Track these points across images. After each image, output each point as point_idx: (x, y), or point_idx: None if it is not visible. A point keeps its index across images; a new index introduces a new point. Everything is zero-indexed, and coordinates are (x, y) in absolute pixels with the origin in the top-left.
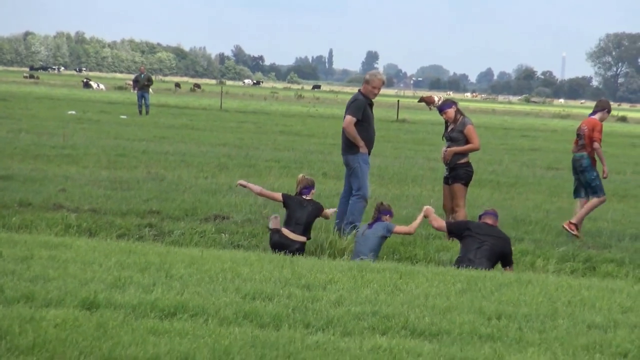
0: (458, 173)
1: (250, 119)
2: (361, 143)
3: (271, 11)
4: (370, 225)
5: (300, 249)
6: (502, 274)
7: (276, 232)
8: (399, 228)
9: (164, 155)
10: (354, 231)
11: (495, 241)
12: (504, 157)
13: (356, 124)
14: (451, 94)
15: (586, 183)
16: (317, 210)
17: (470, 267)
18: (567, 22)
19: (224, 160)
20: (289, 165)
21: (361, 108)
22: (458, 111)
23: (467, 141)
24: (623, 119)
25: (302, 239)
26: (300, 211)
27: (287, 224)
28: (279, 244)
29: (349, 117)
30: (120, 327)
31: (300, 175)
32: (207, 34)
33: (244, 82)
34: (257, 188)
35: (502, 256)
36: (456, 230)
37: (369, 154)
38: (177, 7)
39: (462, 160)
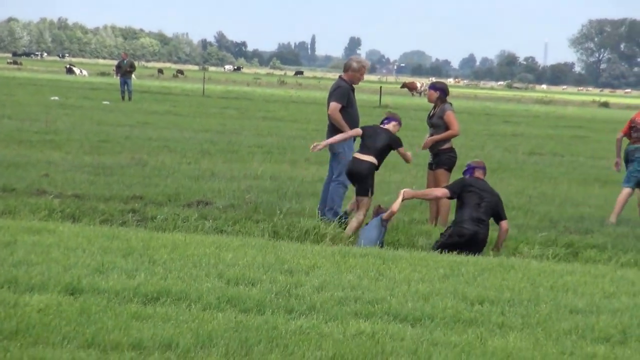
0: (441, 159)
1: (233, 105)
2: (347, 128)
3: None
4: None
5: (369, 169)
6: (484, 258)
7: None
8: (385, 215)
9: (147, 141)
10: (337, 217)
11: (491, 197)
12: (486, 143)
13: (341, 110)
14: (434, 80)
15: (634, 172)
16: (391, 140)
17: (475, 224)
18: (550, 7)
19: (207, 146)
20: (271, 151)
21: (345, 94)
22: (440, 98)
23: (447, 127)
24: (605, 105)
25: (371, 158)
26: (373, 137)
27: (360, 150)
28: (350, 170)
29: (334, 104)
30: (103, 312)
31: (387, 111)
32: (189, 20)
33: (224, 68)
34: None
35: (496, 211)
36: (458, 190)
37: (354, 140)
38: None
39: (445, 146)
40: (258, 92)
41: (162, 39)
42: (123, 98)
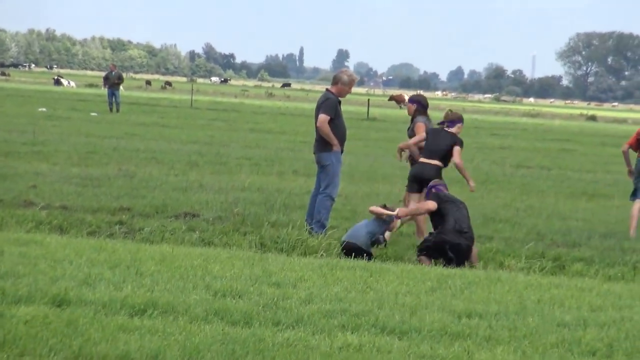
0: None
1: (221, 117)
2: (335, 141)
3: (242, 9)
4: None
5: (436, 172)
6: (470, 272)
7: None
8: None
9: (135, 153)
10: (324, 230)
11: (464, 207)
12: (474, 155)
13: (329, 123)
14: (421, 92)
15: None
16: (457, 142)
17: (461, 236)
18: (538, 20)
19: (195, 158)
20: (259, 163)
21: (334, 107)
22: (417, 110)
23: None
24: (593, 118)
25: (437, 162)
26: (437, 141)
27: (424, 154)
28: (416, 174)
29: (323, 116)
30: (90, 324)
31: (448, 110)
32: (177, 32)
33: (210, 80)
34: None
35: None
36: (438, 201)
37: (342, 151)
38: (148, 4)
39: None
40: (246, 104)
41: (150, 50)
42: (111, 109)
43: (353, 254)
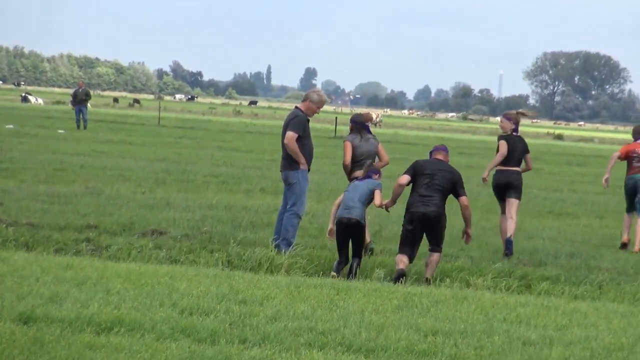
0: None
1: (188, 134)
2: (302, 159)
3: (209, 27)
4: (361, 180)
5: (520, 178)
6: (437, 290)
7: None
8: (378, 193)
9: (102, 170)
10: (291, 248)
11: (445, 173)
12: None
13: (297, 140)
14: (388, 111)
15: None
16: (527, 146)
17: (423, 203)
18: (505, 40)
19: (162, 176)
20: (226, 181)
21: (302, 124)
22: (351, 128)
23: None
24: (559, 137)
25: (517, 168)
26: (514, 149)
27: (505, 163)
28: (501, 182)
29: (290, 133)
30: (56, 341)
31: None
32: (145, 49)
33: (174, 97)
34: None
35: (452, 186)
36: (411, 172)
37: (308, 170)
38: (116, 22)
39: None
40: (213, 121)
41: (118, 68)
42: (78, 127)
43: (352, 232)
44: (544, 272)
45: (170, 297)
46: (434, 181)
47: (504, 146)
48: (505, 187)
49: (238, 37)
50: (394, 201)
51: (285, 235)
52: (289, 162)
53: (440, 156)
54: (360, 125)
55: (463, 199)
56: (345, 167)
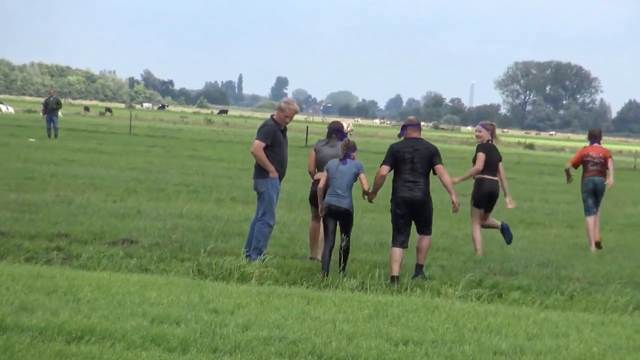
0: None
1: (160, 143)
2: (271, 168)
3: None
4: (343, 162)
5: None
6: (408, 299)
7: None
8: (363, 177)
9: (73, 179)
10: (262, 256)
11: (423, 151)
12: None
13: (267, 149)
14: (359, 120)
15: (599, 202)
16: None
17: (409, 188)
18: (476, 49)
19: (133, 184)
20: (197, 190)
21: (271, 133)
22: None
23: None
24: (531, 147)
25: (498, 177)
26: (492, 157)
27: (486, 171)
28: (491, 192)
29: (257, 142)
30: (27, 350)
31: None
32: (117, 58)
33: (142, 106)
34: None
35: (430, 161)
36: (392, 159)
37: (281, 179)
38: (87, 30)
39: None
40: (185, 130)
41: (89, 76)
42: (49, 135)
43: (341, 219)
44: (515, 282)
45: (141, 306)
46: (416, 165)
47: (481, 159)
48: (491, 197)
49: (209, 46)
50: (375, 192)
51: (256, 245)
52: (259, 171)
53: (415, 134)
54: (331, 130)
55: (438, 167)
56: (309, 173)
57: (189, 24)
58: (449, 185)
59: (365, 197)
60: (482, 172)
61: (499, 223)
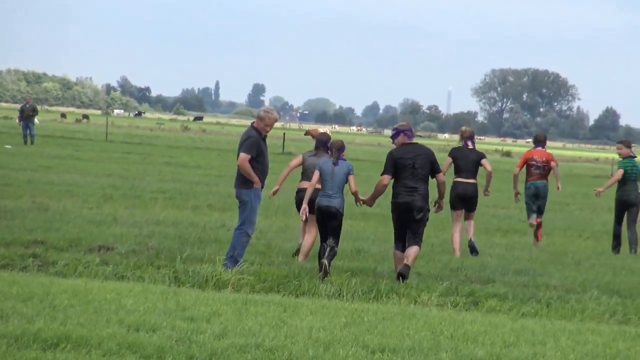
0: None
1: (136, 150)
2: (256, 179)
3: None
4: (335, 163)
5: (477, 189)
6: (385, 307)
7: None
8: (352, 178)
9: (49, 185)
10: (239, 264)
11: (423, 157)
12: (388, 191)
13: (251, 160)
14: (336, 127)
15: (543, 206)
16: (482, 156)
17: (409, 194)
18: (453, 56)
19: (109, 191)
20: (174, 197)
21: (255, 144)
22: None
23: None
24: (507, 154)
25: (474, 180)
26: (466, 160)
27: (459, 174)
28: (463, 194)
29: (243, 155)
30: (2, 357)
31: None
32: (93, 65)
33: (113, 112)
34: None
35: (431, 167)
36: (392, 168)
37: (262, 187)
38: (63, 37)
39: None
40: (161, 137)
41: (66, 83)
42: (25, 142)
43: (330, 219)
44: (492, 289)
45: (117, 313)
46: (417, 170)
47: (446, 163)
48: (464, 198)
49: (186, 53)
50: (374, 199)
51: (232, 253)
52: (242, 180)
53: (410, 139)
54: (319, 143)
55: (439, 175)
56: (281, 177)
57: (166, 30)
58: (442, 192)
59: (359, 203)
60: (456, 175)
61: (471, 236)
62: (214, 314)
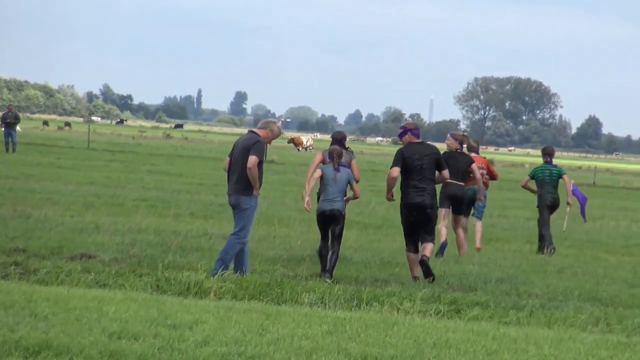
0: None
1: (118, 158)
2: (257, 185)
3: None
4: (337, 169)
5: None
6: (367, 315)
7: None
8: (357, 187)
9: (31, 193)
10: (221, 269)
11: (430, 157)
12: (371, 199)
13: (258, 165)
14: (318, 136)
15: (479, 208)
16: (470, 161)
17: (418, 194)
18: (436, 64)
19: (91, 199)
20: (156, 205)
21: (264, 150)
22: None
23: None
24: (490, 162)
25: (461, 183)
26: (456, 164)
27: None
28: (453, 195)
29: (254, 158)
30: None
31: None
32: (75, 72)
33: (92, 119)
34: None
35: (439, 166)
36: (401, 162)
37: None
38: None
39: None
40: (143, 145)
41: (48, 91)
42: (7, 150)
43: (333, 221)
44: (474, 298)
45: (99, 321)
46: (425, 171)
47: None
48: (453, 199)
49: (169, 61)
50: (389, 192)
51: (223, 256)
52: (243, 187)
53: (417, 139)
54: (335, 141)
55: (445, 172)
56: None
57: (148, 38)
58: (441, 182)
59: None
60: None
61: (444, 236)
62: (196, 321)
